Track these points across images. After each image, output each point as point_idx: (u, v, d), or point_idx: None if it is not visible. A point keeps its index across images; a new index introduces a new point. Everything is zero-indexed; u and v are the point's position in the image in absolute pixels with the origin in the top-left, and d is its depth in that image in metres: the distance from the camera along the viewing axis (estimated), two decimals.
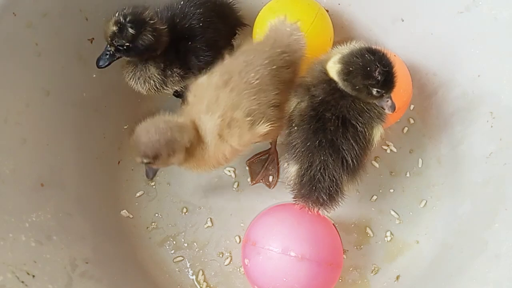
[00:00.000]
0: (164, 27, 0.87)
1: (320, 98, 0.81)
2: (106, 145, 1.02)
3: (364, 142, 0.81)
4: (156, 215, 1.02)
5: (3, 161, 0.79)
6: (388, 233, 1.00)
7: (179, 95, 1.04)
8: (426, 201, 1.02)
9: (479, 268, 0.83)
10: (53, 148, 0.89)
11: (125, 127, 1.06)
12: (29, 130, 0.85)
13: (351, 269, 0.98)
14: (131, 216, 1.01)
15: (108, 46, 0.85)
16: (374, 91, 0.77)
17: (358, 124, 0.80)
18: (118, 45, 0.83)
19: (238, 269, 0.98)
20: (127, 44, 0.83)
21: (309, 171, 0.81)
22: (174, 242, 1.00)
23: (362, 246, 1.00)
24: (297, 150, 0.82)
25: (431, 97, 1.06)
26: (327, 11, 1.06)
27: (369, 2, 1.06)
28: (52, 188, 0.87)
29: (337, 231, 0.93)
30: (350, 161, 0.80)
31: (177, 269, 0.98)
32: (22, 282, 0.73)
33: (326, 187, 0.81)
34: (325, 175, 0.81)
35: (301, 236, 0.85)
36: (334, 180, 0.81)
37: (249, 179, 1.04)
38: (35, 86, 0.87)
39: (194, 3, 0.92)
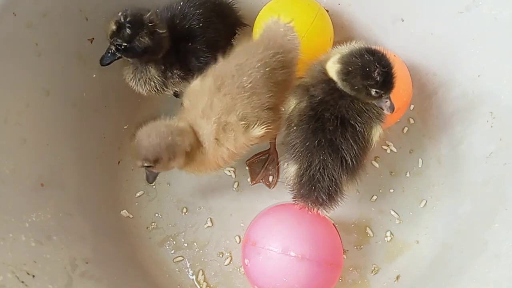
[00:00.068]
0: (163, 31, 0.86)
1: (319, 98, 0.81)
2: (106, 145, 1.02)
3: (363, 142, 0.81)
4: (156, 215, 1.02)
5: (3, 161, 0.79)
6: (388, 233, 1.00)
7: (179, 95, 1.04)
8: (426, 201, 1.02)
9: (479, 268, 0.83)
10: (53, 148, 0.89)
11: (125, 127, 1.06)
12: (29, 130, 0.85)
13: (351, 269, 0.98)
14: (131, 216, 1.01)
15: (110, 45, 0.85)
16: (373, 91, 0.77)
17: (357, 124, 0.80)
18: (117, 44, 0.84)
19: (238, 269, 0.98)
20: (124, 44, 0.83)
21: (308, 171, 0.81)
22: (174, 242, 1.00)
23: (362, 246, 0.99)
24: (296, 150, 0.82)
25: (431, 97, 1.05)
26: (327, 11, 1.06)
27: (369, 2, 1.06)
28: (52, 188, 0.87)
29: (337, 231, 0.93)
30: (349, 160, 0.80)
31: (177, 269, 0.99)
32: (22, 282, 0.73)
33: (325, 187, 0.81)
34: (324, 174, 0.81)
35: (301, 236, 0.85)
36: (333, 179, 0.81)
37: (249, 179, 1.04)
38: (35, 86, 0.87)
39: (193, 4, 0.92)
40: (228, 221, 1.01)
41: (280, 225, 0.87)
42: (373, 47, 0.80)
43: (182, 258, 0.99)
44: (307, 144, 0.81)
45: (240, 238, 1.00)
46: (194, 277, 0.98)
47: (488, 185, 0.91)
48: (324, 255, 0.84)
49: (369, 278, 0.98)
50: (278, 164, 1.03)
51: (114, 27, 0.83)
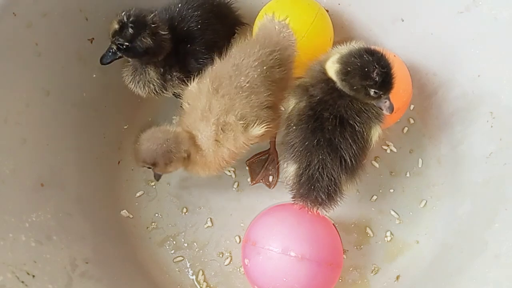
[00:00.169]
0: (165, 33, 0.86)
1: (318, 97, 0.81)
2: (106, 145, 1.02)
3: (362, 142, 0.81)
4: (156, 215, 1.02)
5: (3, 161, 0.79)
6: (388, 233, 1.00)
7: (179, 95, 1.04)
8: (426, 201, 1.02)
9: (479, 268, 0.83)
10: (53, 148, 0.89)
11: (125, 127, 1.06)
12: (29, 130, 0.85)
13: (351, 269, 0.98)
14: (131, 216, 1.01)
15: (111, 44, 0.85)
16: (372, 92, 0.77)
17: (356, 124, 0.80)
18: (118, 44, 0.84)
19: (238, 269, 0.98)
20: (126, 43, 0.83)
21: (307, 170, 0.81)
22: (174, 242, 1.00)
23: (362, 246, 0.99)
24: (295, 150, 0.82)
25: (431, 97, 1.05)
26: (327, 11, 1.06)
27: (369, 2, 1.06)
28: (52, 188, 0.87)
29: (337, 231, 0.93)
30: (349, 160, 0.80)
31: (177, 269, 0.99)
32: (22, 282, 0.73)
33: (324, 187, 0.81)
34: (324, 174, 0.81)
35: (301, 236, 0.85)
36: (333, 179, 0.81)
37: (249, 179, 1.04)
38: (35, 86, 0.88)
39: (191, 6, 0.92)
40: (228, 221, 1.01)
41: (280, 225, 0.87)
42: (372, 47, 0.80)
43: (182, 258, 0.99)
44: (306, 143, 0.81)
45: (240, 238, 1.00)
46: (194, 277, 0.98)
47: (488, 185, 0.91)
48: (324, 255, 0.84)
49: (369, 278, 0.98)
50: (278, 164, 1.03)
51: (116, 26, 0.83)
